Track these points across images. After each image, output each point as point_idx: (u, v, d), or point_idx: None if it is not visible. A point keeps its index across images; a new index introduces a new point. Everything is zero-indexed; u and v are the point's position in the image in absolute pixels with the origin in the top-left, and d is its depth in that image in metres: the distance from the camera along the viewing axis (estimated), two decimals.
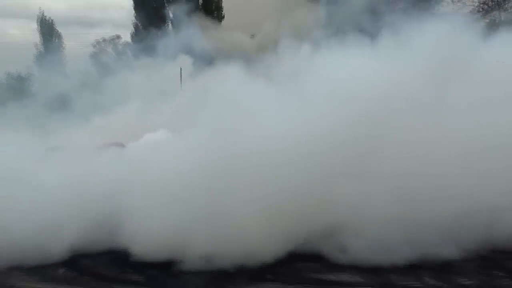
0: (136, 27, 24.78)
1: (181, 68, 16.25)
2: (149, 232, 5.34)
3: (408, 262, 5.26)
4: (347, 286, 4.99)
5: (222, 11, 24.67)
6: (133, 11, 24.69)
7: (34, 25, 26.46)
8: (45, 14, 26.64)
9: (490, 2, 20.45)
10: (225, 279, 5.11)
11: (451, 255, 5.35)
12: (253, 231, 5.35)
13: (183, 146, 6.22)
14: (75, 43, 33.71)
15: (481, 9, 20.07)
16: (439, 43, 6.23)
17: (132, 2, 24.44)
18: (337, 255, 5.47)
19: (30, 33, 34.91)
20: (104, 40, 25.55)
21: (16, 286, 5.22)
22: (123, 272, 5.48)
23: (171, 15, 22.38)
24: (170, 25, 22.23)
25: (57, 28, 26.60)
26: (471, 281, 5.00)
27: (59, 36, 26.57)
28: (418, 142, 5.84)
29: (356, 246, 5.41)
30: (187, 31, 16.34)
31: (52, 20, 26.58)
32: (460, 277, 5.08)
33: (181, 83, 16.18)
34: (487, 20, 19.18)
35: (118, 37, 26.63)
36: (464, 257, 5.49)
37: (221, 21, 23.96)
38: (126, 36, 25.93)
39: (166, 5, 22.79)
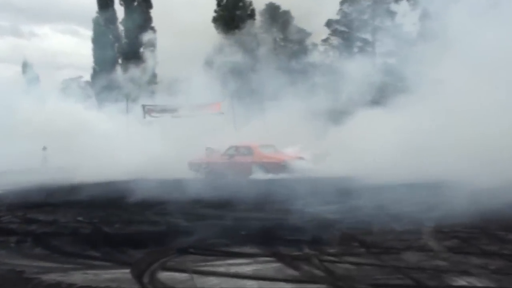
0: (94, 70, 37.19)
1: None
2: None
3: None
4: (248, 257, 7.95)
5: None
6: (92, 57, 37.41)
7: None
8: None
9: None
10: (161, 253, 8.11)
11: None
12: None
13: None
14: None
15: None
16: None
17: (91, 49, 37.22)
18: None
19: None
20: (71, 79, 39.11)
21: None
22: (84, 249, 8.46)
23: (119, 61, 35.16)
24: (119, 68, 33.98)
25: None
26: (335, 249, 8.16)
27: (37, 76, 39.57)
28: None
29: None
30: None
31: (31, 64, 42.44)
32: (329, 247, 8.25)
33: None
34: None
35: (80, 77, 42.19)
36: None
37: None
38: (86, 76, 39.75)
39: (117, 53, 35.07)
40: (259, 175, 19.98)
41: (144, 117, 26.42)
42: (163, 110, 27.02)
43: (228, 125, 25.74)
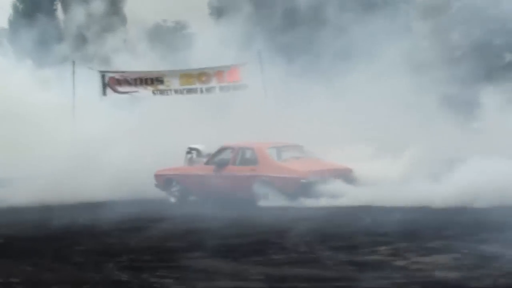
0: (15, 10, 37.87)
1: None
2: None
3: None
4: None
5: None
6: None
7: None
8: None
9: None
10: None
11: None
12: None
13: None
14: None
15: None
16: None
17: None
18: None
19: None
20: None
21: None
22: None
23: None
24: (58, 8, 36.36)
25: None
26: None
27: None
28: None
29: None
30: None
31: None
32: None
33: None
34: None
35: None
36: None
37: None
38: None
39: None
40: (272, 199, 19.28)
41: (104, 93, 26.12)
42: (138, 81, 26.68)
43: (253, 105, 25.19)
